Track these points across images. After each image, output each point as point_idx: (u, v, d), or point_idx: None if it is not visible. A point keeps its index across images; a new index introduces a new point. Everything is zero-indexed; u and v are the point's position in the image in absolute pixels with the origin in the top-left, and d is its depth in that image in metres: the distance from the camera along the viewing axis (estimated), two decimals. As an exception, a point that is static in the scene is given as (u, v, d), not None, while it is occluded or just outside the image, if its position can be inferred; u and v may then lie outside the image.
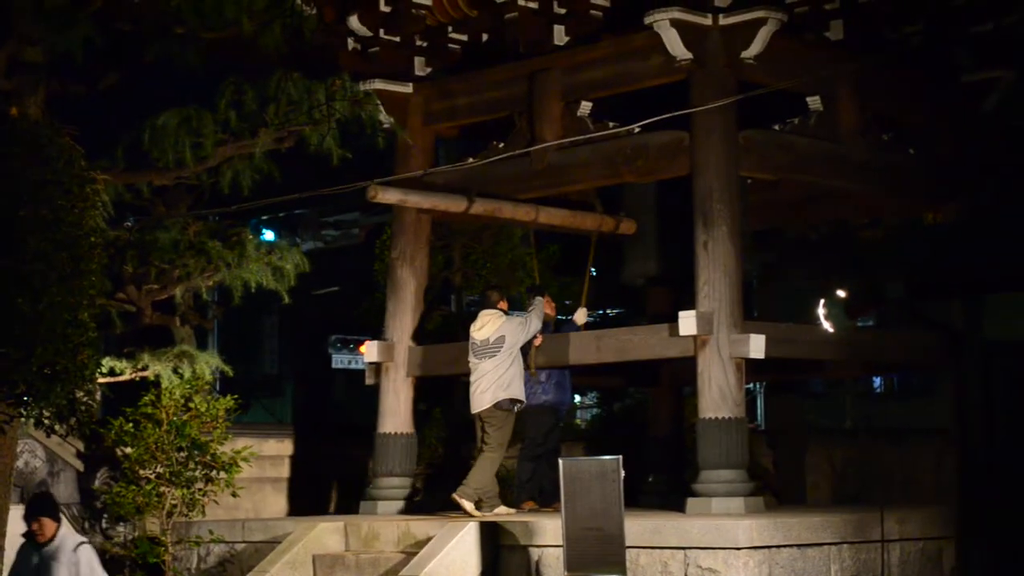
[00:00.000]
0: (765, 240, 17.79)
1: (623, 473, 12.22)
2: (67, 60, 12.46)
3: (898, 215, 17.59)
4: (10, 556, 12.29)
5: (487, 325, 14.76)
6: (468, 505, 14.39)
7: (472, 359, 14.76)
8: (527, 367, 15.04)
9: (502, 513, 14.43)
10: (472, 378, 14.79)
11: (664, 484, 16.73)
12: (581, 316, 16.16)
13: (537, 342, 14.90)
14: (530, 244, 18.22)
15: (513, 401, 14.62)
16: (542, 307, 14.96)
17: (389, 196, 14.98)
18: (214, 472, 15.12)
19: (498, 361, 14.59)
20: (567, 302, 16.74)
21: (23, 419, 11.20)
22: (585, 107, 15.36)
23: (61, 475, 15.71)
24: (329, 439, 19.47)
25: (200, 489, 15.08)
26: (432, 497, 16.87)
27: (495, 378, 14.60)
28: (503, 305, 15.08)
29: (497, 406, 14.60)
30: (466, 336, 15.02)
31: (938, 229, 16.52)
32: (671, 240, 15.41)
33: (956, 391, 12.08)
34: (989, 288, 10.88)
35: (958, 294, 11.11)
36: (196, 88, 13.57)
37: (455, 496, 14.30)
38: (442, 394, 15.68)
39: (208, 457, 15.15)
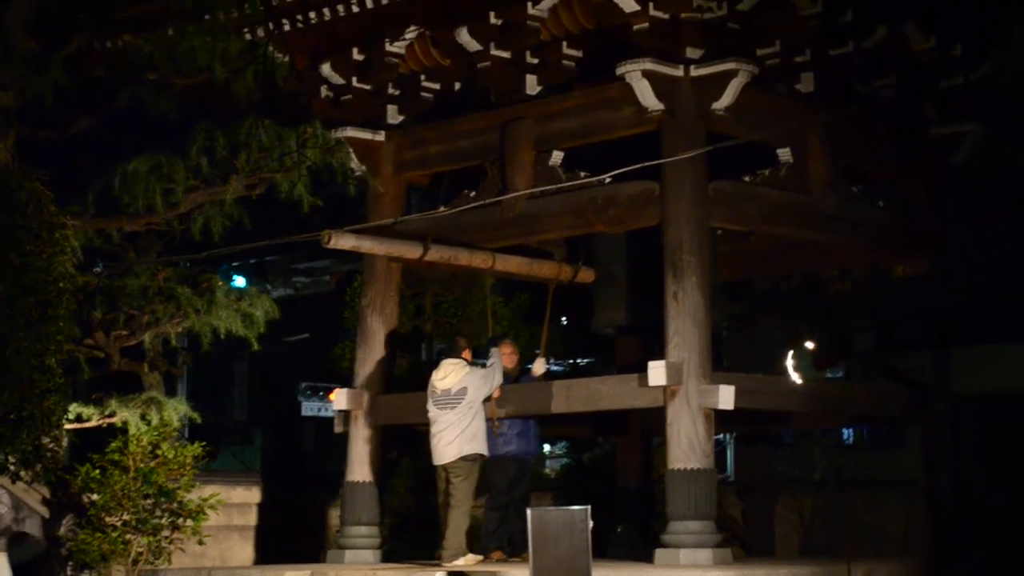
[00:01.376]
0: (735, 291, 17.79)
1: (591, 523, 12.18)
2: (38, 104, 12.43)
3: (867, 267, 17.61)
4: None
5: (450, 375, 14.72)
6: (461, 562, 14.38)
7: (432, 408, 14.70)
8: (488, 416, 15.04)
9: (470, 562, 14.37)
10: (434, 429, 14.71)
11: (633, 535, 16.70)
12: (539, 366, 16.05)
13: (496, 394, 14.86)
14: (498, 294, 18.22)
15: (478, 454, 14.60)
16: (500, 360, 14.92)
17: (343, 242, 14.92)
18: (181, 520, 15.01)
19: (460, 413, 14.56)
20: (536, 351, 16.71)
21: (-11, 465, 11.14)
22: (557, 156, 15.36)
23: (26, 521, 15.59)
24: (298, 487, 19.41)
25: (167, 537, 14.97)
26: (400, 546, 16.81)
27: (459, 431, 14.55)
28: (467, 354, 15.06)
29: (463, 458, 14.58)
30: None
31: (907, 282, 16.55)
32: (641, 290, 15.40)
33: (925, 443, 12.07)
34: (957, 341, 10.89)
35: (927, 347, 11.11)
36: (167, 134, 13.57)
37: (447, 565, 14.22)
38: (411, 442, 15.64)
39: (175, 504, 15.05)
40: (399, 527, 17.44)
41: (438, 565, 14.24)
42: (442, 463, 14.73)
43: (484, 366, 14.91)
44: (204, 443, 15.81)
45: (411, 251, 15.33)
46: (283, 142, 13.24)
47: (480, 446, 14.60)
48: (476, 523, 16.14)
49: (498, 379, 14.73)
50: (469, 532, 15.01)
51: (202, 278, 14.67)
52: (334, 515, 17.80)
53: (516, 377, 15.82)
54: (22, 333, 9.99)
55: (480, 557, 14.85)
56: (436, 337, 20.46)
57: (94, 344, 14.34)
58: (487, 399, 14.84)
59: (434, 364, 15.45)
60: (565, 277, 16.34)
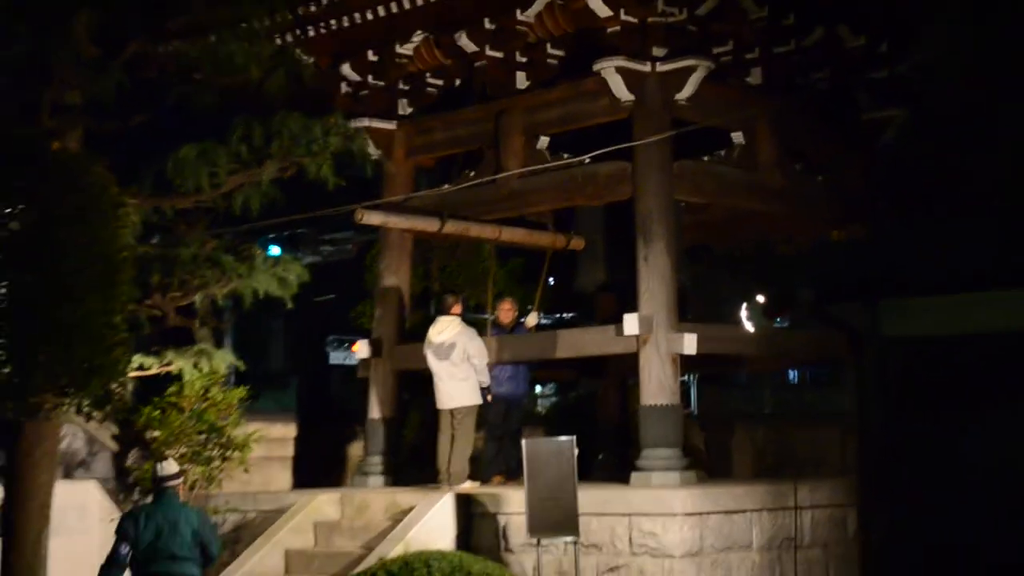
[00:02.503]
0: (696, 254, 17.81)
1: (576, 452, 12.25)
2: (101, 102, 12.42)
3: (808, 233, 17.64)
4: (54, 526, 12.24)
5: (445, 331, 14.86)
6: (468, 485, 14.43)
7: (431, 359, 14.84)
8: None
9: (470, 487, 14.43)
10: (436, 378, 14.89)
11: (612, 461, 16.72)
12: (532, 319, 16.22)
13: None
14: (496, 258, 18.24)
15: (475, 402, 14.89)
16: (484, 369, 14.97)
17: (373, 218, 14.96)
18: (229, 452, 15.09)
19: (455, 364, 14.70)
20: (528, 307, 16.74)
21: (66, 407, 11.16)
22: (543, 141, 15.38)
23: (99, 455, 15.65)
24: (327, 424, 19.42)
25: (217, 466, 15.04)
26: (414, 471, 16.83)
27: (459, 379, 14.75)
28: (456, 309, 15.14)
29: (463, 404, 14.78)
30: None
31: (841, 245, 16.58)
32: (617, 254, 15.42)
33: (857, 381, 12.12)
34: (884, 294, 10.93)
35: (858, 299, 11.15)
36: (211, 125, 13.56)
37: (454, 488, 14.26)
38: (421, 385, 15.66)
39: (224, 439, 15.11)
40: (412, 457, 17.45)
41: (446, 488, 14.29)
42: (446, 407, 14.83)
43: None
44: (247, 387, 15.88)
45: (430, 225, 15.34)
46: (310, 131, 13.22)
47: (477, 395, 14.82)
48: (477, 453, 16.22)
49: (481, 370, 14.96)
50: (471, 461, 15.09)
51: (243, 247, 14.65)
52: (357, 447, 17.83)
53: (511, 328, 15.87)
54: (92, 296, 10.00)
55: (479, 483, 14.91)
56: (442, 296, 20.49)
57: (153, 304, 14.33)
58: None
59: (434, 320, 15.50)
60: (560, 245, 16.37)
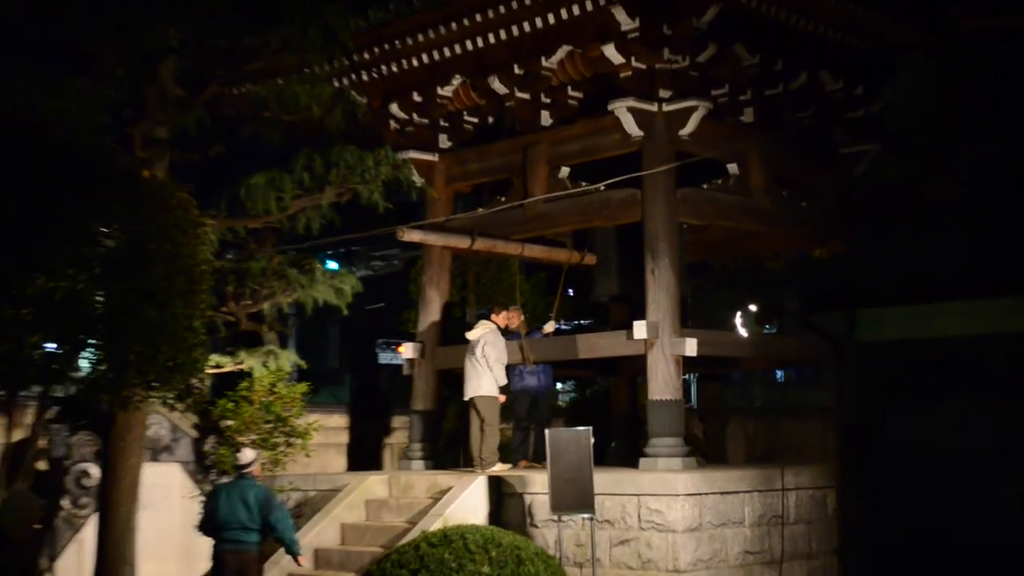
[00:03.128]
0: (696, 269, 17.83)
1: (593, 440, 12.27)
2: (185, 136, 12.50)
3: (793, 251, 17.65)
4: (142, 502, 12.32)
5: (476, 329, 14.91)
6: (499, 468, 14.43)
7: (466, 354, 14.93)
8: (524, 359, 15.15)
9: (503, 468, 14.45)
10: (464, 371, 14.95)
11: (623, 449, 16.73)
12: (550, 326, 16.16)
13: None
14: (522, 272, 18.26)
15: (491, 395, 14.86)
16: (500, 368, 14.93)
17: (412, 235, 15.09)
18: (292, 439, 15.12)
19: (476, 360, 14.74)
20: (549, 314, 16.75)
21: (153, 400, 11.23)
22: (564, 171, 15.40)
23: (180, 441, 15.70)
24: (376, 415, 19.49)
25: (282, 451, 15.07)
26: (452, 457, 16.88)
27: (479, 374, 14.75)
28: (495, 317, 15.15)
29: (480, 396, 14.80)
30: None
31: (822, 261, 16.57)
32: (628, 269, 15.42)
33: (836, 380, 12.10)
34: (859, 304, 10.93)
35: (837, 308, 11.15)
36: (278, 156, 13.62)
37: (486, 471, 14.28)
38: (457, 381, 15.70)
39: (288, 428, 15.14)
40: (449, 444, 17.50)
41: (479, 471, 14.32)
42: (467, 397, 14.97)
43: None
44: (308, 383, 15.92)
45: (462, 242, 15.43)
46: (363, 162, 13.26)
47: (492, 388, 14.81)
48: (507, 441, 16.25)
49: (497, 367, 14.92)
50: (500, 447, 15.10)
51: (305, 262, 14.70)
52: (402, 435, 17.88)
53: (527, 333, 15.83)
54: (176, 303, 10.05)
55: (509, 465, 14.92)
56: (476, 304, 20.50)
57: (227, 311, 14.39)
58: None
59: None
60: (575, 260, 16.42)
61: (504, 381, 14.93)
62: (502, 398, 15.02)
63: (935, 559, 10.44)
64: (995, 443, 10.05)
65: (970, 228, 11.05)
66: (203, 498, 11.72)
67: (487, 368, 14.75)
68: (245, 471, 11.66)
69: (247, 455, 11.85)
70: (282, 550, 12.54)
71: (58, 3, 11.31)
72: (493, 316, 15.15)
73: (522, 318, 15.90)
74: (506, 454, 15.72)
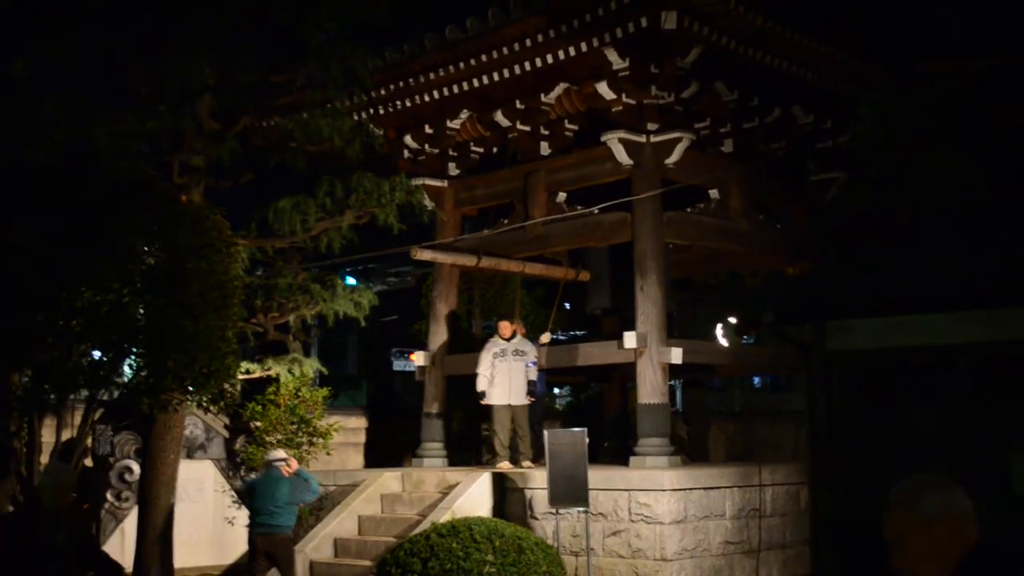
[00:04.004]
0: (681, 285, 17.86)
1: (587, 440, 12.29)
2: (219, 164, 12.54)
3: (769, 268, 17.66)
4: (178, 495, 12.32)
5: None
6: (505, 466, 14.35)
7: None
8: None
9: (505, 467, 14.43)
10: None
11: (615, 448, 16.74)
12: (545, 337, 15.98)
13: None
14: (523, 287, 18.27)
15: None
16: (480, 376, 14.74)
17: (424, 255, 15.08)
18: (314, 438, 15.14)
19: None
20: (548, 326, 16.77)
21: (189, 402, 11.25)
22: (562, 196, 15.44)
23: (214, 440, 15.72)
24: (391, 418, 19.49)
25: (305, 450, 15.09)
26: (460, 454, 16.87)
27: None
28: (503, 329, 14.98)
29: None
30: (477, 349, 15.08)
31: (795, 278, 16.59)
32: (618, 284, 15.45)
33: (808, 385, 12.13)
34: (828, 316, 10.96)
35: (808, 320, 11.18)
36: (303, 182, 13.66)
37: (498, 468, 14.23)
38: (465, 387, 15.69)
39: (311, 428, 15.16)
40: (458, 443, 17.50)
41: (485, 468, 14.31)
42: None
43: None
44: (329, 388, 15.95)
45: (469, 260, 15.46)
46: (380, 188, 13.28)
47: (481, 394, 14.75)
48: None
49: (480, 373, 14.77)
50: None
51: (327, 278, 14.72)
52: (415, 436, 17.87)
53: None
54: (210, 315, 10.06)
55: (511, 464, 14.90)
56: (481, 317, 20.52)
57: (257, 322, 14.41)
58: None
59: (483, 336, 15.47)
60: (571, 277, 16.40)
61: (482, 386, 14.79)
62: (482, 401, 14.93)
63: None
64: (952, 444, 10.07)
65: (928, 249, 11.08)
66: (245, 487, 12.49)
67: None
68: (273, 464, 12.25)
69: (276, 453, 12.52)
70: (306, 537, 12.71)
71: (106, 44, 11.33)
72: (500, 327, 15.08)
73: (523, 330, 15.90)
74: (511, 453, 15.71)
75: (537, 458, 14.36)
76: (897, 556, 3.47)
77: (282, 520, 12.04)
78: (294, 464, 12.37)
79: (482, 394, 14.72)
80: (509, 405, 14.68)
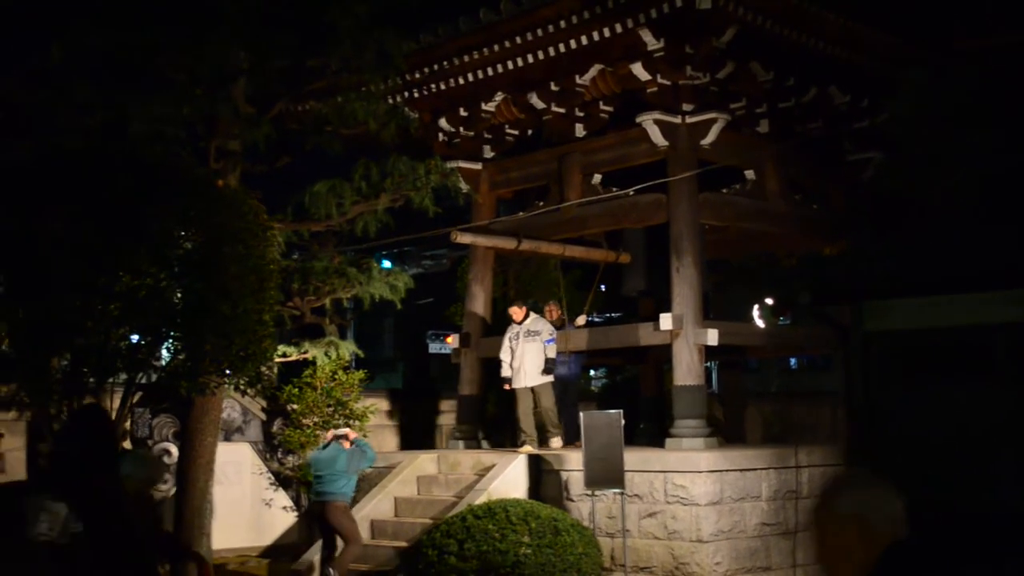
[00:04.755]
0: (717, 266, 17.79)
1: (623, 422, 12.29)
2: (255, 148, 12.59)
3: (805, 249, 17.58)
4: (216, 477, 12.41)
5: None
6: (529, 448, 14.33)
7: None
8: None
9: (528, 450, 14.30)
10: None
11: (651, 429, 16.72)
12: (581, 319, 16.08)
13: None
14: (560, 270, 18.26)
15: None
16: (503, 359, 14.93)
17: (464, 238, 15.10)
18: (351, 421, 15.20)
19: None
20: (584, 308, 16.77)
21: (227, 385, 11.32)
22: (597, 178, 15.42)
23: (251, 423, 15.82)
24: (427, 399, 19.56)
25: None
26: (495, 436, 16.90)
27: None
28: (514, 313, 15.01)
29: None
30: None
31: (832, 258, 16.51)
32: (654, 266, 15.42)
33: (845, 366, 12.07)
34: (865, 297, 10.90)
35: (845, 301, 11.12)
36: (339, 166, 13.70)
37: (524, 449, 14.17)
38: (498, 369, 15.72)
39: (347, 411, 15.23)
40: (492, 426, 17.54)
41: (521, 449, 14.32)
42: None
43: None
44: (365, 371, 16.01)
45: (509, 243, 15.46)
46: (415, 171, 13.30)
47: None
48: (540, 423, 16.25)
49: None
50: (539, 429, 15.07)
51: (363, 262, 14.78)
52: (450, 417, 17.92)
53: (561, 326, 15.81)
54: (247, 299, 10.08)
55: (534, 447, 14.71)
56: (517, 300, 20.52)
57: (293, 305, 14.49)
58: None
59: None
60: (611, 259, 16.37)
61: (505, 372, 14.99)
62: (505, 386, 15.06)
63: (934, 529, 10.41)
64: (990, 424, 10.00)
65: (965, 229, 10.98)
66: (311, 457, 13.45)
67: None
68: (336, 437, 12.90)
69: (339, 430, 13.14)
70: (361, 502, 13.77)
71: (140, 29, 11.38)
72: (511, 311, 15.07)
73: (559, 312, 15.92)
74: (541, 436, 15.73)
75: (573, 440, 14.37)
76: (816, 552, 3.47)
77: (338, 488, 12.55)
78: (352, 435, 12.94)
79: (506, 379, 14.76)
80: (527, 387, 14.72)
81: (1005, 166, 10.71)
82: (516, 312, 14.99)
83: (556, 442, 14.61)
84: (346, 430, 13.14)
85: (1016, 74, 10.94)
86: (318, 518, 12.88)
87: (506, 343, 14.85)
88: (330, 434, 13.12)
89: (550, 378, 14.70)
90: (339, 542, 12.62)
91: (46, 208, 9.46)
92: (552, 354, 14.65)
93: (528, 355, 14.69)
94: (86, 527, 6.81)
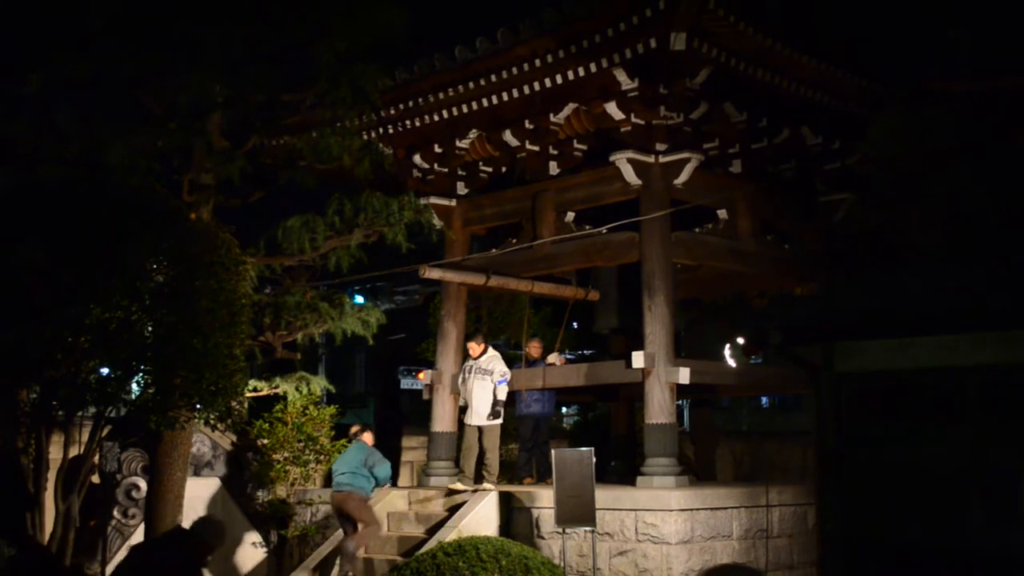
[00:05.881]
0: (689, 305, 17.81)
1: (594, 459, 12.24)
2: (228, 183, 12.56)
3: (776, 289, 17.62)
4: (185, 512, 12.28)
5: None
6: (489, 485, 14.24)
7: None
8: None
9: (457, 486, 14.24)
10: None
11: (622, 467, 16.68)
12: (553, 356, 16.02)
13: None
14: (531, 306, 18.24)
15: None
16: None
17: (433, 273, 15.05)
18: (322, 456, 15.11)
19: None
20: (556, 345, 16.75)
21: (196, 420, 11.24)
22: (570, 215, 15.41)
23: (221, 458, 15.69)
24: (399, 435, 19.45)
25: (312, 467, 15.08)
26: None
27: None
28: (471, 348, 14.82)
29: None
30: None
31: (803, 298, 16.55)
32: (626, 304, 15.41)
33: (816, 405, 12.07)
34: (836, 337, 10.91)
35: (816, 341, 11.13)
36: (312, 201, 13.68)
37: (485, 485, 14.15)
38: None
39: (318, 446, 15.15)
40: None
41: (493, 487, 14.23)
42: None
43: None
44: (336, 406, 15.92)
45: (478, 279, 15.39)
46: (389, 207, 13.32)
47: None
48: (513, 460, 16.18)
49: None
50: (507, 466, 14.98)
51: (335, 297, 14.74)
52: (422, 453, 17.81)
53: (535, 362, 15.80)
54: (218, 333, 10.07)
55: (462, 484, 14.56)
56: (489, 336, 20.50)
57: (264, 340, 14.44)
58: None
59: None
60: (580, 296, 16.36)
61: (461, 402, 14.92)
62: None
63: (905, 566, 10.38)
64: (961, 464, 10.00)
65: (937, 270, 11.03)
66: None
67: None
68: (357, 437, 13.60)
69: (356, 429, 13.81)
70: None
71: (118, 61, 11.36)
72: (468, 346, 14.89)
73: (540, 349, 15.95)
74: (512, 473, 15.65)
75: (544, 477, 14.29)
76: None
77: (354, 481, 13.14)
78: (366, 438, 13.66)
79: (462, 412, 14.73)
80: (472, 426, 14.52)
81: (976, 207, 10.77)
82: (473, 347, 14.76)
83: (487, 485, 14.22)
84: (355, 429, 13.77)
85: (985, 116, 11.03)
86: (337, 509, 13.35)
87: (460, 376, 14.80)
88: (354, 429, 13.77)
89: (497, 422, 14.42)
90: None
91: (18, 237, 9.40)
92: (502, 396, 14.39)
93: (477, 393, 14.45)
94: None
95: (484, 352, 14.64)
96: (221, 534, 8.33)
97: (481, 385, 14.44)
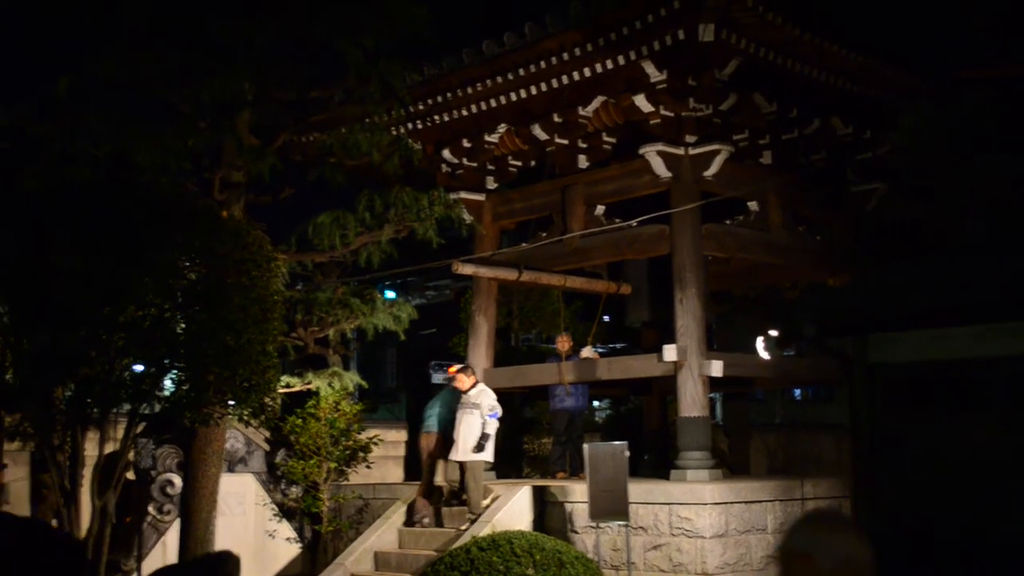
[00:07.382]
0: (720, 297, 17.78)
1: (628, 453, 12.25)
2: (259, 180, 12.63)
3: (809, 280, 17.56)
4: (220, 508, 12.36)
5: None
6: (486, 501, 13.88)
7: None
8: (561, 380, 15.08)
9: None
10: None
11: (655, 461, 16.67)
12: (586, 351, 15.95)
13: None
14: (562, 301, 18.26)
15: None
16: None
17: (466, 269, 15.07)
18: (355, 451, 15.17)
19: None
20: (588, 339, 16.75)
21: (230, 416, 11.31)
22: (600, 209, 15.41)
23: (254, 454, 15.78)
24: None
25: (345, 463, 15.13)
26: (501, 468, 16.84)
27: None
28: (459, 382, 14.19)
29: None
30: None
31: (836, 289, 16.49)
32: (658, 297, 15.40)
33: (849, 397, 12.04)
34: (870, 329, 10.88)
35: (849, 333, 11.11)
36: (342, 197, 13.74)
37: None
38: (503, 400, 15.67)
39: (351, 441, 15.20)
40: (499, 456, 17.45)
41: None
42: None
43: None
44: (368, 401, 15.99)
45: (510, 274, 15.40)
46: (418, 202, 13.35)
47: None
48: (547, 454, 16.19)
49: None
50: (542, 460, 14.99)
51: (366, 292, 14.78)
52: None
53: (568, 356, 15.80)
54: (251, 329, 10.12)
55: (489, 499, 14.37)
56: (520, 330, 20.53)
57: (297, 336, 14.50)
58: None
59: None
60: (612, 290, 16.34)
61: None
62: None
63: (940, 559, 10.36)
64: (996, 454, 9.97)
65: (969, 260, 10.98)
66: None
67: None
68: (450, 382, 14.34)
69: (452, 370, 14.69)
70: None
71: (147, 62, 11.44)
72: (457, 379, 14.25)
73: (571, 342, 15.93)
74: (546, 467, 15.66)
75: (578, 471, 14.31)
76: None
77: (436, 424, 14.04)
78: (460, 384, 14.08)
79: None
80: (458, 461, 14.05)
81: (1010, 196, 10.72)
82: (462, 380, 14.15)
83: (468, 516, 13.71)
84: (453, 372, 14.52)
85: (1018, 104, 10.96)
86: (425, 448, 14.26)
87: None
88: (452, 369, 14.63)
89: (481, 456, 13.81)
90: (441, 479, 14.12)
91: (52, 238, 9.49)
92: (490, 430, 13.82)
93: (464, 427, 13.84)
94: None
95: (474, 386, 14.11)
96: (238, 569, 8.46)
97: (469, 419, 13.85)
